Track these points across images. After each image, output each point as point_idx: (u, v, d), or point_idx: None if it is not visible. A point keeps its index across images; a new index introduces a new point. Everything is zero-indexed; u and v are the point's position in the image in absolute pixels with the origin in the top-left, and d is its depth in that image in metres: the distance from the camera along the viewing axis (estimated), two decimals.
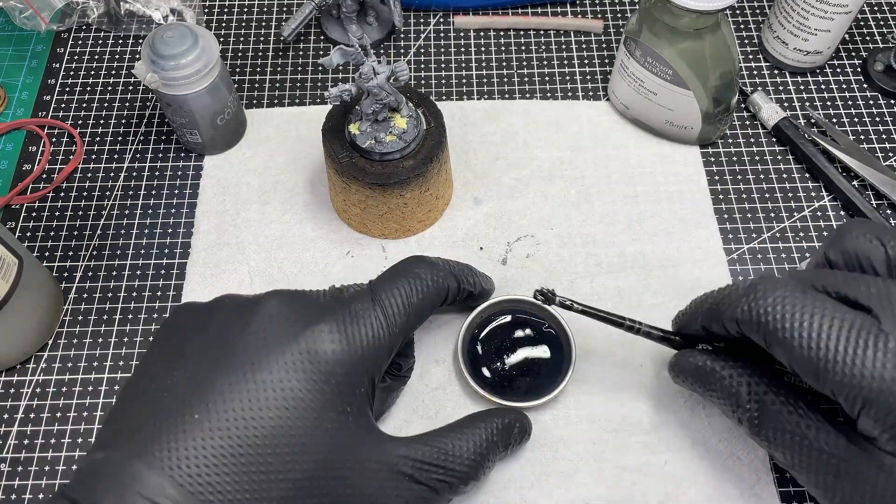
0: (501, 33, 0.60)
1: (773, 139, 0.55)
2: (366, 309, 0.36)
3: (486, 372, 0.44)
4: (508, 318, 0.46)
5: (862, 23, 0.61)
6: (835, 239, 0.36)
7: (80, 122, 0.56)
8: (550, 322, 0.45)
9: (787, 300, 0.32)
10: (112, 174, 0.54)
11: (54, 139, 0.55)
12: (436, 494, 0.35)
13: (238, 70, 0.59)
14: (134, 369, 0.36)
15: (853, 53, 0.59)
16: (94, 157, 0.54)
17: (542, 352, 0.45)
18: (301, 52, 0.60)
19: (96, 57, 0.59)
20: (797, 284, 0.33)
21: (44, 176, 0.53)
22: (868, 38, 0.60)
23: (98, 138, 0.55)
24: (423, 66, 0.59)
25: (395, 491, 0.34)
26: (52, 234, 0.51)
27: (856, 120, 0.55)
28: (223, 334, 0.34)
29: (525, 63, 0.59)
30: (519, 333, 0.45)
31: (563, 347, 0.44)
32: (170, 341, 0.35)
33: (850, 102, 0.56)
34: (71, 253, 0.50)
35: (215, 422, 0.31)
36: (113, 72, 0.59)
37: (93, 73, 0.59)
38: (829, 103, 0.56)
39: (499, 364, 0.44)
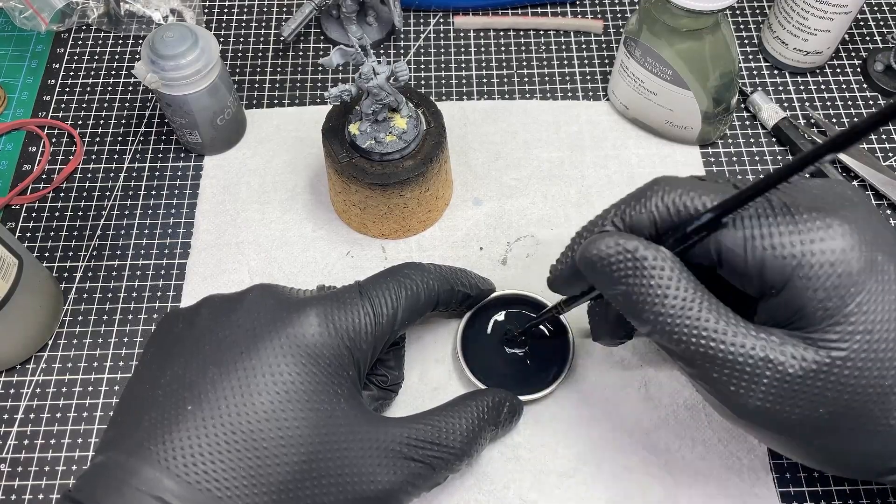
0: (501, 33, 0.60)
1: (773, 139, 0.55)
2: (352, 299, 0.36)
3: (484, 366, 0.44)
4: (505, 312, 0.46)
5: (862, 23, 0.61)
6: (654, 190, 0.34)
7: (80, 122, 0.56)
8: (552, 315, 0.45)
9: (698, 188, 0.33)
10: (112, 174, 0.54)
11: (54, 139, 0.55)
12: (432, 471, 0.36)
13: (238, 70, 0.59)
14: (129, 377, 0.36)
15: (853, 53, 0.59)
16: (94, 157, 0.54)
17: (541, 345, 0.45)
18: (301, 52, 0.60)
19: (96, 57, 0.59)
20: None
21: (44, 176, 0.53)
22: (868, 38, 0.60)
23: (98, 138, 0.55)
24: (423, 66, 0.59)
25: (392, 469, 0.34)
26: (52, 234, 0.51)
27: (856, 120, 0.55)
28: (210, 328, 0.35)
29: (525, 63, 0.59)
30: (517, 326, 0.45)
31: (561, 341, 0.44)
32: (160, 345, 0.36)
33: (850, 102, 0.56)
34: (71, 253, 0.50)
35: (208, 411, 0.31)
36: (113, 72, 0.59)
37: (93, 73, 0.59)
38: (829, 103, 0.56)
39: (497, 358, 0.44)
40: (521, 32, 0.60)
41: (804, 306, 0.32)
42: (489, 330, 0.45)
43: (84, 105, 0.57)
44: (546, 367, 0.44)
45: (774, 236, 0.32)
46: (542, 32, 0.60)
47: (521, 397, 0.42)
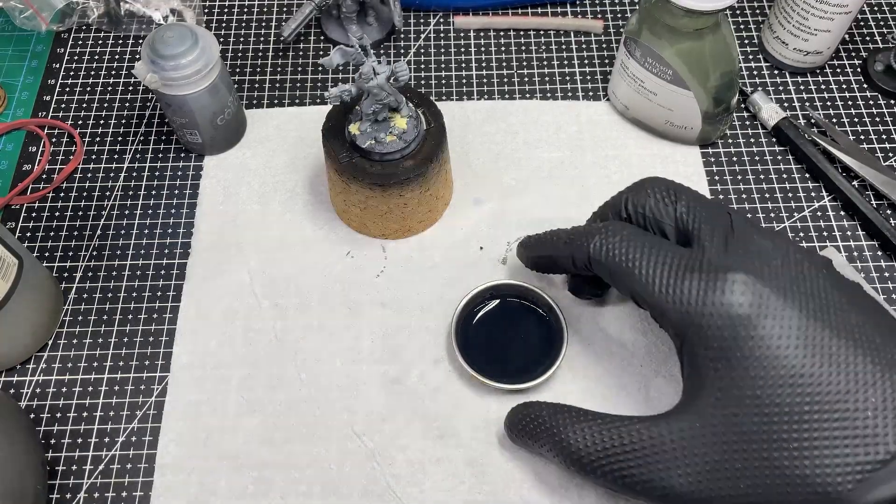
0: (501, 33, 0.60)
1: (773, 139, 0.55)
2: None
3: (480, 355, 0.44)
4: (498, 301, 0.46)
5: (862, 23, 0.61)
6: (633, 191, 0.40)
7: (80, 122, 0.56)
8: (540, 303, 0.46)
9: (631, 241, 0.37)
10: (112, 174, 0.54)
11: (54, 139, 0.55)
12: None
13: (238, 70, 0.59)
14: None
15: (853, 53, 0.59)
16: (94, 157, 0.54)
17: (536, 333, 0.45)
18: (301, 52, 0.60)
19: (96, 57, 0.59)
20: (637, 228, 0.38)
21: (44, 176, 0.53)
22: (868, 38, 0.60)
23: (98, 138, 0.55)
24: (423, 66, 0.59)
25: None
26: (52, 234, 0.51)
27: (856, 120, 0.55)
28: None
29: (525, 63, 0.59)
30: (511, 316, 0.46)
31: (554, 328, 0.45)
32: None
33: (850, 102, 0.56)
34: (71, 253, 0.50)
35: None
36: (113, 72, 0.59)
37: (93, 73, 0.59)
38: (829, 103, 0.56)
39: (493, 347, 0.45)
40: (521, 32, 0.60)
41: (698, 363, 0.33)
42: (483, 322, 0.46)
43: (84, 105, 0.57)
44: (542, 356, 0.44)
45: (677, 287, 0.33)
46: (542, 32, 0.60)
47: (518, 385, 0.43)
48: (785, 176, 0.53)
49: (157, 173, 0.54)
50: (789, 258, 0.34)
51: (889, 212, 0.51)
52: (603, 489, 0.42)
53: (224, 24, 0.61)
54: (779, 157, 0.54)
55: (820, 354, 0.31)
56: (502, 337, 0.45)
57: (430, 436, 0.44)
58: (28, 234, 0.51)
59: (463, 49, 0.60)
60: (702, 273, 0.33)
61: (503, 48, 0.60)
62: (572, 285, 0.46)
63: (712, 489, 0.32)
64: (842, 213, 0.51)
